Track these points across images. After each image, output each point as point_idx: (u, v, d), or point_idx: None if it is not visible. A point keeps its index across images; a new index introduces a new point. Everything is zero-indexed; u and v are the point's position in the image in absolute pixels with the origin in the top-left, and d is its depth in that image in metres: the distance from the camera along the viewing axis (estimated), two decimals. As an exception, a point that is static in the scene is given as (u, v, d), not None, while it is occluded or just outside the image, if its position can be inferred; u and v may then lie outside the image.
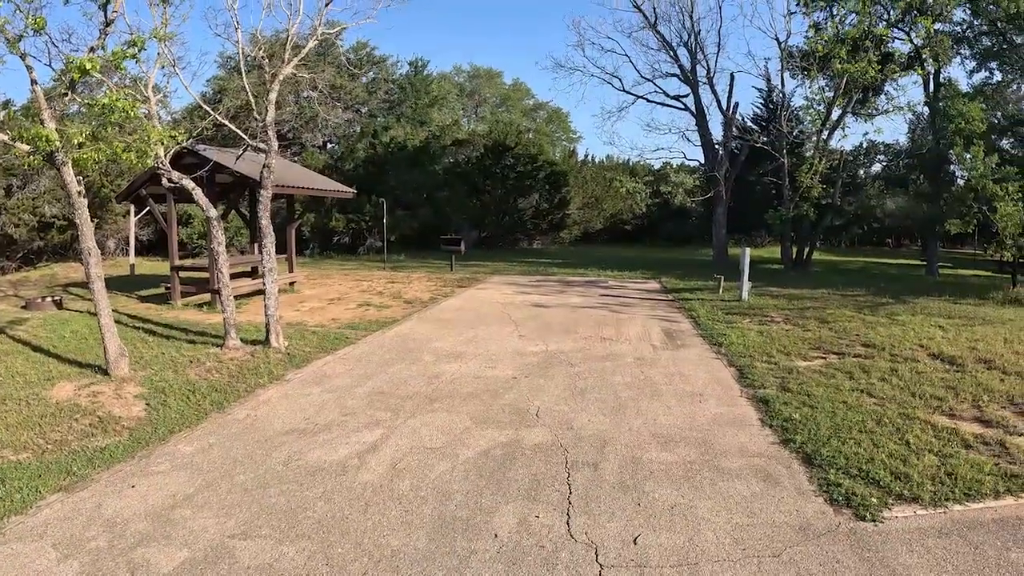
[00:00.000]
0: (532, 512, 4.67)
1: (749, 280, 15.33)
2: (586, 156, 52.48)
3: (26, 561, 4.12)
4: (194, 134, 11.06)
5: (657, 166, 43.49)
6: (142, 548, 4.24)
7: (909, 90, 54.32)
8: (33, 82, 7.80)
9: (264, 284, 10.26)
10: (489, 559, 4.05)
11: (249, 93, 10.75)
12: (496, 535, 4.34)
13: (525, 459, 5.68)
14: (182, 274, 15.41)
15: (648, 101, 31.22)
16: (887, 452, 5.64)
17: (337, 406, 7.27)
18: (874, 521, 4.48)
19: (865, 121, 26.68)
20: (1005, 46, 23.42)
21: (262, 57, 10.86)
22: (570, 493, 4.98)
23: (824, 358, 9.32)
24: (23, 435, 6.36)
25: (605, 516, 4.60)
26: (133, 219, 26.25)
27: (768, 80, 29.43)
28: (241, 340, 10.07)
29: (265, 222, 10.30)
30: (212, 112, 10.97)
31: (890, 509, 4.65)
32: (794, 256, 23.86)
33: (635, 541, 4.27)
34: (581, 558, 4.07)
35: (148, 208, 18.13)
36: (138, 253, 27.03)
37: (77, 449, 6.05)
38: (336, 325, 12.26)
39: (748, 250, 15.52)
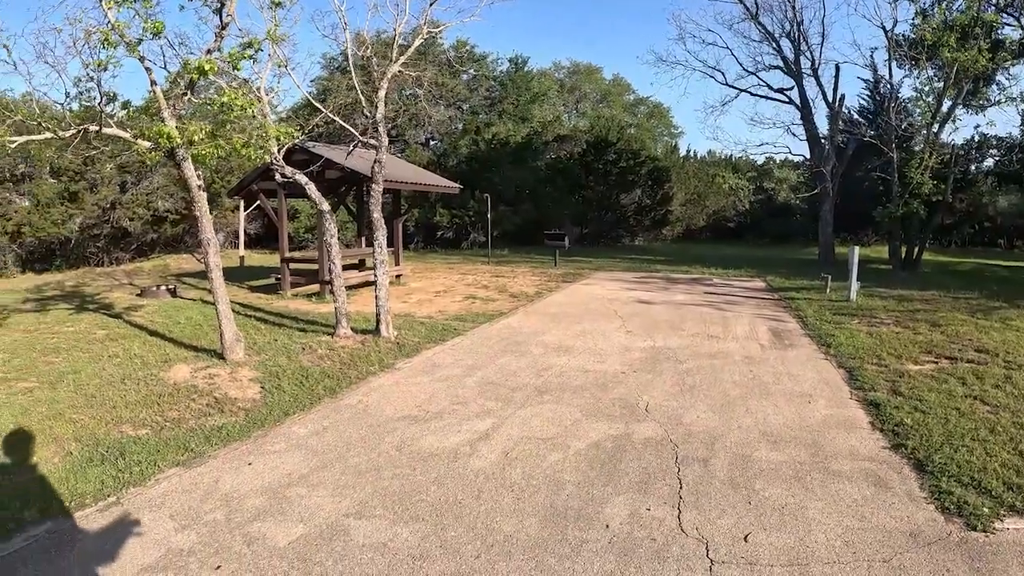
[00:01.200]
0: (643, 505, 4.67)
1: (857, 280, 14.83)
2: (688, 151, 51.77)
3: (144, 530, 4.38)
4: (306, 131, 11.45)
5: (760, 161, 42.58)
6: (258, 523, 4.45)
7: (1022, 79, 51.49)
8: (152, 83, 8.22)
9: (375, 275, 10.54)
10: (601, 549, 4.09)
11: (358, 91, 11.05)
12: (607, 526, 4.36)
13: (635, 452, 5.68)
14: (291, 266, 15.99)
15: (751, 95, 30.47)
16: (1000, 462, 5.36)
17: (448, 395, 7.42)
18: (985, 532, 4.29)
19: (976, 113, 25.24)
20: None
21: (369, 57, 11.15)
22: (680, 488, 4.96)
23: (936, 362, 8.93)
24: (142, 412, 6.77)
25: (715, 512, 4.57)
26: (242, 213, 27.41)
27: (874, 71, 28.22)
28: (352, 329, 10.40)
29: (376, 215, 10.57)
30: (323, 109, 11.32)
31: (1002, 520, 4.42)
32: (903, 256, 22.89)
33: (746, 539, 4.22)
34: (692, 552, 4.06)
35: (257, 203, 18.89)
36: (246, 246, 28.18)
37: (194, 427, 6.38)
38: (443, 317, 12.48)
39: (857, 249, 15.00)
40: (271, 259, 24.25)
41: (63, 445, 5.88)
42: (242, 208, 26.98)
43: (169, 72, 8.72)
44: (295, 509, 4.64)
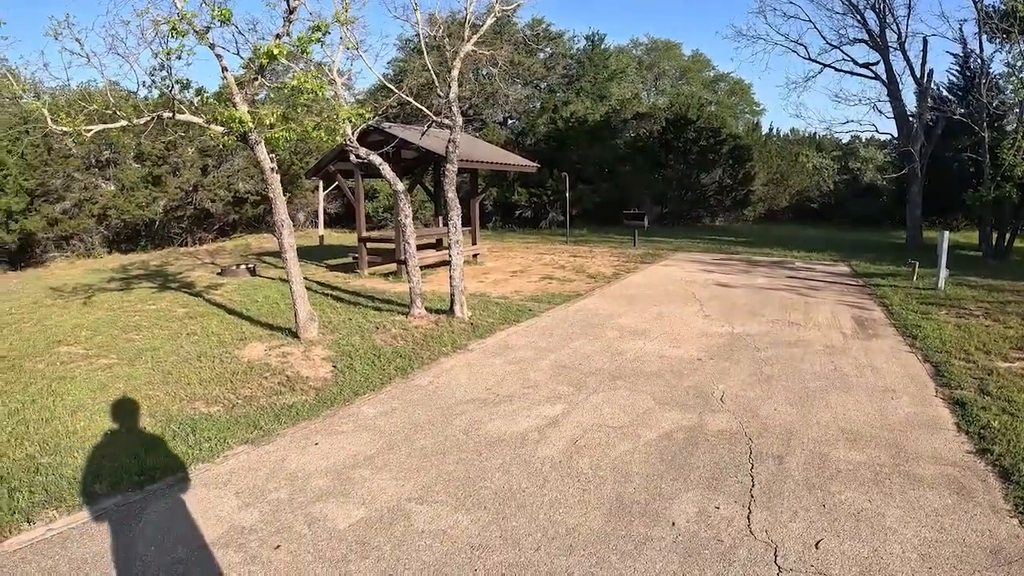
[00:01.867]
0: (712, 502, 4.54)
1: (946, 267, 14.18)
2: (770, 129, 50.40)
3: (208, 506, 4.49)
4: (379, 112, 11.50)
5: (845, 140, 41.05)
6: (320, 503, 4.51)
7: None
8: (224, 69, 8.33)
9: (449, 255, 10.57)
10: (665, 548, 3.98)
11: (431, 71, 11.02)
12: (674, 523, 4.25)
13: (708, 445, 5.54)
14: (369, 245, 16.19)
15: (836, 70, 29.16)
16: (1091, 474, 5.03)
17: (519, 378, 7.39)
18: (1076, 552, 4.01)
19: (1074, 90, 23.76)
20: None
21: (441, 37, 11.11)
22: (752, 486, 4.80)
23: (1027, 360, 8.48)
24: (215, 390, 6.95)
25: (787, 515, 4.40)
26: (321, 193, 27.91)
27: (964, 44, 26.66)
28: (426, 309, 10.46)
29: (451, 195, 10.58)
30: (396, 90, 11.35)
31: (1094, 540, 4.14)
32: (994, 242, 21.78)
33: (817, 545, 4.04)
34: (759, 557, 3.90)
35: (336, 183, 19.14)
36: (326, 225, 28.72)
37: (265, 405, 6.52)
38: (519, 297, 12.47)
39: (947, 234, 14.32)
40: (350, 238, 24.62)
41: (137, 420, 6.07)
42: (321, 188, 27.46)
43: (242, 58, 8.84)
44: (358, 491, 4.68)
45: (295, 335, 8.95)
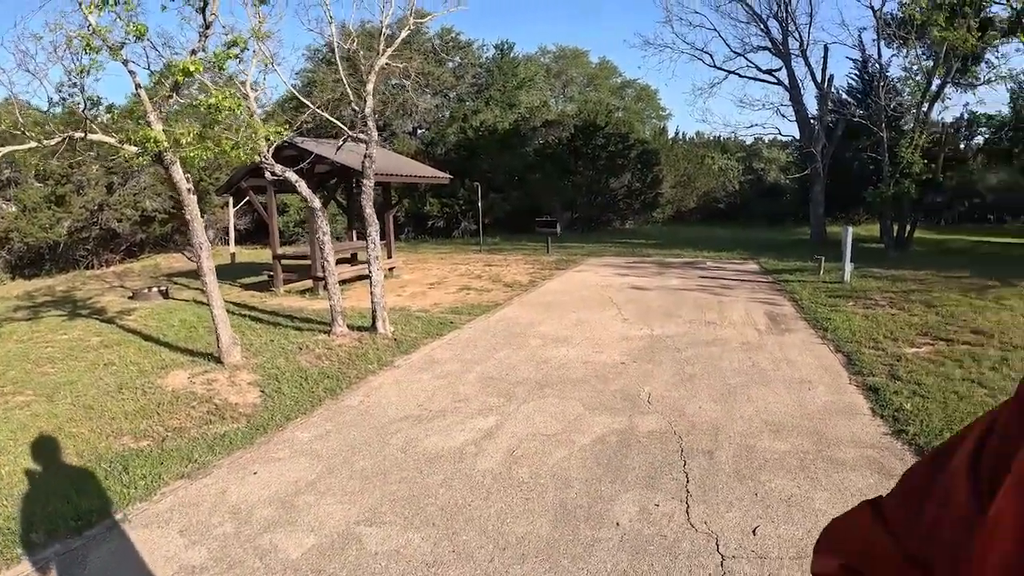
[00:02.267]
0: (651, 500, 4.69)
1: (851, 261, 14.87)
2: (677, 133, 51.66)
3: (154, 547, 4.35)
4: (294, 126, 11.39)
5: (749, 142, 42.55)
6: (269, 534, 4.43)
7: (1011, 58, 51.93)
8: (137, 86, 8.08)
9: (370, 271, 10.51)
10: (613, 547, 4.11)
11: (346, 85, 10.98)
12: (618, 523, 4.38)
13: (640, 446, 5.70)
14: (283, 262, 15.92)
15: (740, 76, 30.51)
16: (999, 449, 5.42)
17: (449, 392, 7.42)
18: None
19: (965, 92, 25.31)
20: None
21: (355, 50, 11.09)
22: (687, 482, 4.98)
23: (932, 345, 8.98)
24: (142, 423, 6.71)
25: (723, 506, 4.60)
26: (231, 210, 27.26)
27: (863, 50, 28.24)
28: (348, 326, 10.37)
29: (369, 211, 10.52)
30: (311, 105, 11.26)
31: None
32: (895, 235, 22.93)
33: (754, 532, 4.25)
34: (702, 548, 4.08)
35: (246, 199, 18.78)
36: (236, 242, 28.08)
37: (196, 436, 6.34)
38: (439, 310, 12.48)
39: (851, 229, 15.04)
40: (262, 255, 24.13)
41: (65, 461, 5.86)
42: (231, 205, 26.84)
43: (153, 73, 8.63)
44: (305, 518, 4.63)
45: (218, 360, 8.74)
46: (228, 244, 27.37)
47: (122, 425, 6.66)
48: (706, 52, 32.88)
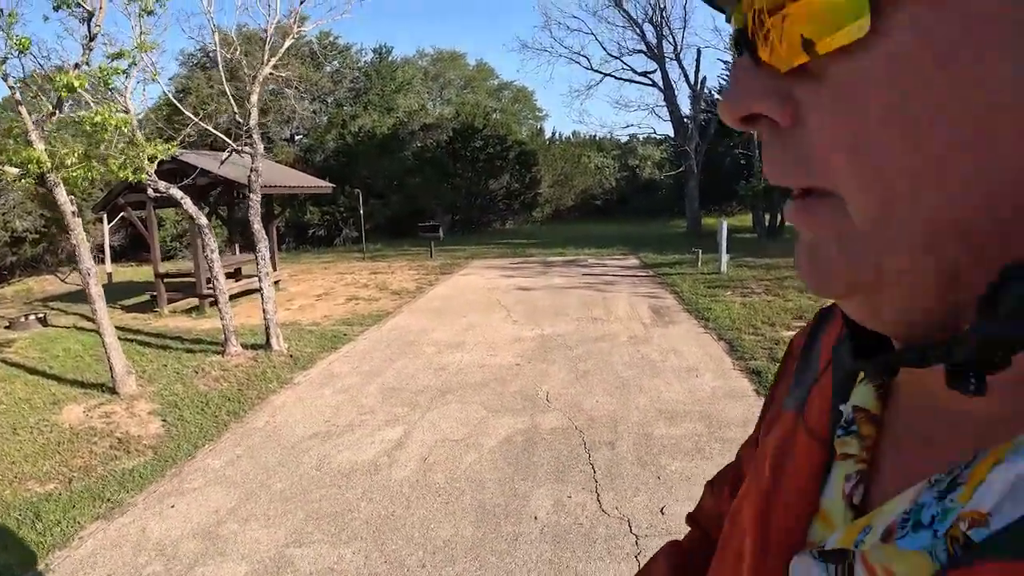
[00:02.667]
0: (564, 493, 4.99)
1: (727, 252, 15.69)
2: (554, 134, 52.53)
3: (85, 595, 4.25)
4: (178, 141, 11.15)
5: (624, 140, 43.84)
6: (200, 568, 4.41)
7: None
8: (18, 103, 7.70)
9: (261, 288, 10.38)
10: (535, 540, 4.37)
11: (229, 97, 10.82)
12: (536, 517, 4.65)
13: (545, 444, 5.99)
14: (166, 280, 15.43)
15: (616, 78, 31.61)
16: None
17: (353, 406, 7.49)
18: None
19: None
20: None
21: (238, 59, 10.95)
22: (594, 472, 5.30)
23: (807, 326, 9.67)
24: (45, 464, 6.43)
25: (631, 491, 4.94)
26: (107, 226, 26.04)
27: (733, 54, 29.82)
28: (241, 345, 10.23)
29: (257, 226, 10.41)
30: (194, 118, 11.04)
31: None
32: (767, 225, 24.27)
33: (662, 511, 4.62)
34: (617, 531, 4.42)
35: (122, 215, 18.10)
36: (112, 260, 26.87)
37: (105, 474, 6.14)
38: (330, 322, 12.44)
39: (726, 222, 15.86)
40: (140, 273, 23.18)
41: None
42: (106, 221, 25.62)
43: (31, 88, 8.30)
44: (233, 548, 4.64)
45: (113, 391, 8.42)
46: (104, 263, 26.15)
47: (24, 469, 6.37)
48: (583, 55, 33.97)
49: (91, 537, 5.02)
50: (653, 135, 33.74)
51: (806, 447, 0.58)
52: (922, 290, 0.40)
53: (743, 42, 0.44)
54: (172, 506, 5.39)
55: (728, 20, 0.49)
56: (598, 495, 4.92)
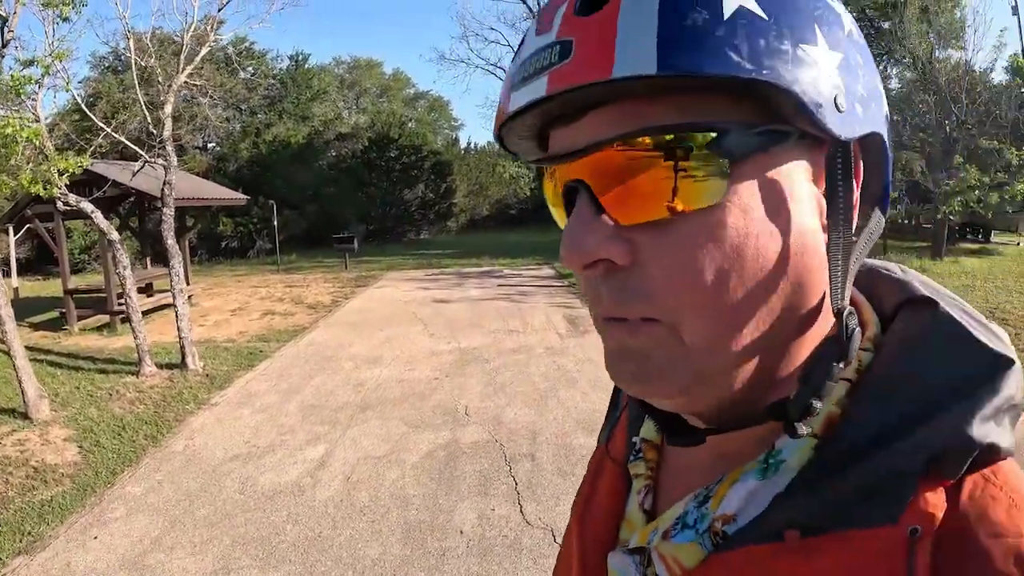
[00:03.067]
0: (488, 506, 5.16)
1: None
2: (469, 143, 53.03)
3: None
4: (90, 152, 10.86)
5: (539, 150, 44.37)
6: (129, 601, 4.37)
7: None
8: None
9: (175, 305, 10.20)
10: (462, 554, 4.52)
11: (142, 105, 10.59)
12: (462, 532, 4.80)
13: (467, 457, 6.14)
14: (76, 296, 14.95)
15: (532, 91, 31.97)
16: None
17: (273, 425, 7.47)
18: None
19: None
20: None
21: (153, 66, 10.74)
22: (516, 484, 5.49)
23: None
24: None
25: (552, 501, 5.15)
26: (12, 238, 24.94)
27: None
28: (156, 365, 10.04)
29: (171, 242, 10.20)
30: (106, 128, 10.78)
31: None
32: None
33: (581, 521, 4.82)
34: (541, 540, 4.63)
35: (28, 226, 17.44)
36: (17, 274, 25.76)
37: (23, 506, 5.93)
38: (246, 339, 12.30)
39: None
40: (48, 287, 22.32)
41: None
42: (11, 233, 24.48)
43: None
44: (159, 577, 4.61)
45: (25, 416, 8.09)
46: (10, 276, 25.00)
47: (-67, 503, 6.17)
48: (499, 67, 34.14)
49: (13, 574, 4.88)
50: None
51: (611, 471, 0.79)
52: (727, 390, 0.57)
53: (584, 193, 0.53)
54: (95, 537, 5.29)
55: (546, 175, 0.61)
56: (521, 506, 5.11)
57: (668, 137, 0.49)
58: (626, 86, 0.49)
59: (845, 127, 0.52)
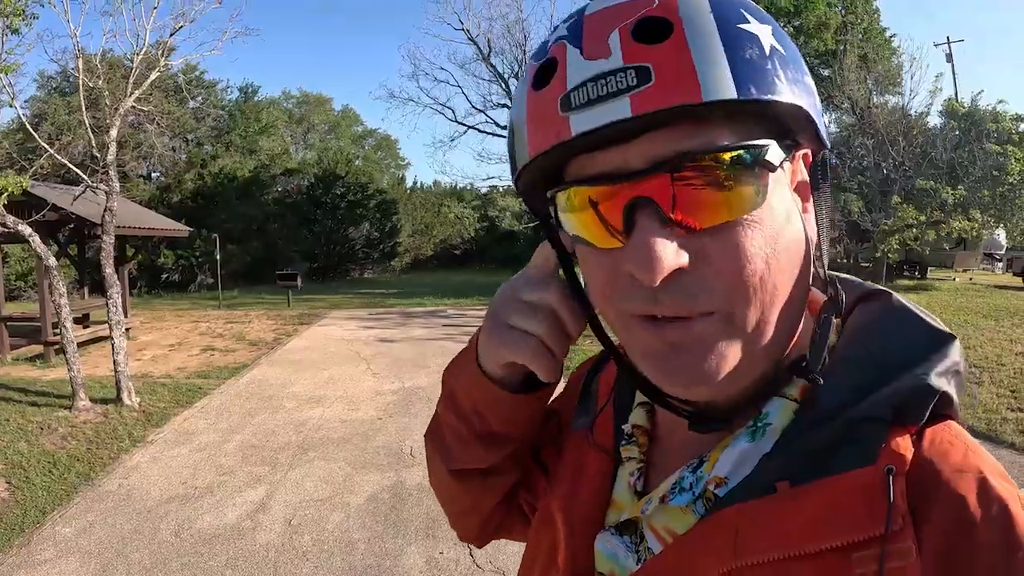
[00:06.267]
0: (436, 549, 5.08)
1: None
2: (415, 183, 53.01)
3: None
4: (30, 173, 10.61)
5: (484, 191, 44.69)
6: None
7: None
8: None
9: (112, 337, 9.90)
10: (409, 602, 4.44)
11: (88, 128, 10.39)
12: (408, 577, 4.72)
13: (413, 500, 6.06)
14: (8, 324, 14.46)
15: (479, 131, 32.30)
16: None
17: (211, 466, 7.27)
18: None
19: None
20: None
21: (101, 88, 10.56)
22: (463, 530, 5.42)
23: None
24: None
25: (503, 543, 5.03)
26: (-59, 259, 24.06)
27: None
28: (90, 399, 9.72)
29: (110, 271, 9.93)
30: (49, 149, 10.55)
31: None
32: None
33: (530, 567, 4.78)
34: (491, 586, 4.55)
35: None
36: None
37: None
38: (184, 374, 12.01)
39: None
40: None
41: None
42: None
43: None
44: (90, 623, 4.41)
45: (-53, 449, 7.83)
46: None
47: None
48: (448, 107, 34.48)
49: None
50: (513, 187, 34.54)
51: (597, 458, 0.84)
52: (765, 361, 0.66)
53: (649, 208, 0.58)
54: (21, 581, 5.07)
55: (569, 199, 0.65)
56: (471, 550, 5.04)
57: (730, 154, 0.57)
58: (683, 109, 0.55)
59: (827, 137, 0.66)
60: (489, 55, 30.24)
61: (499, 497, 1.00)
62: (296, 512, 5.95)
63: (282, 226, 35.06)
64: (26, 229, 9.43)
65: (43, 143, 10.78)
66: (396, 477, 6.66)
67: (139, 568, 5.13)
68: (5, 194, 8.59)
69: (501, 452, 0.91)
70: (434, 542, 5.22)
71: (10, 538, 5.77)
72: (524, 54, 29.58)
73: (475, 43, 30.16)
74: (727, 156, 0.57)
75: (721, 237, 0.59)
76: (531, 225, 31.59)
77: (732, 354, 0.62)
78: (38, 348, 13.89)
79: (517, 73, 30.06)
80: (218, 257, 25.22)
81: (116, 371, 9.81)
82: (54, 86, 33.13)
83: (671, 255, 0.57)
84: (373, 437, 7.99)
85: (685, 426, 0.71)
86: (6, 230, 9.50)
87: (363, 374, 11.48)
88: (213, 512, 6.06)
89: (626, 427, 0.84)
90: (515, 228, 37.61)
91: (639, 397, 0.87)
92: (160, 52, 10.87)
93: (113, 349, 9.84)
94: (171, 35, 10.97)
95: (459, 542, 5.10)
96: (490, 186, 43.85)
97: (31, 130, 11.18)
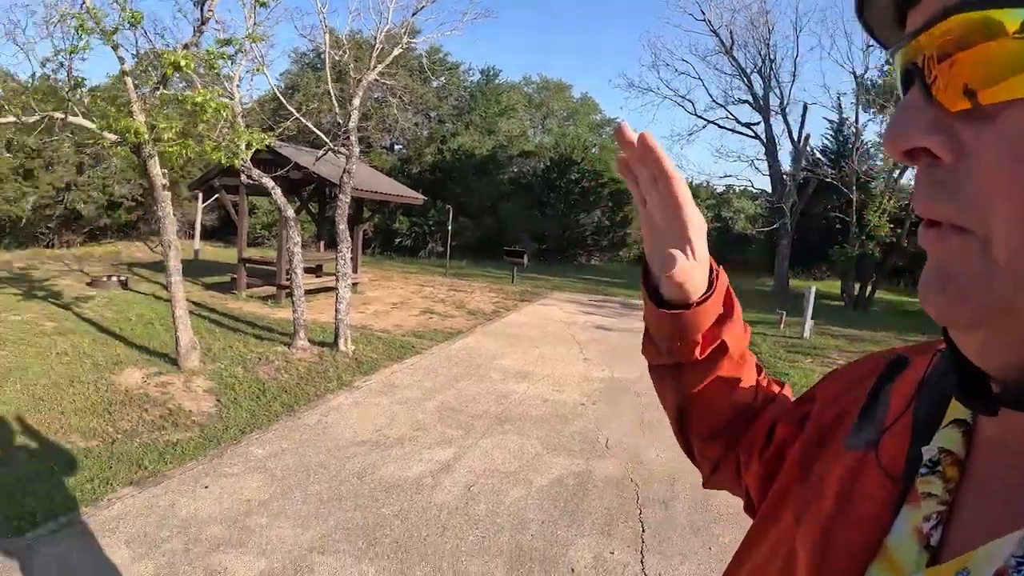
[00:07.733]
0: (607, 548, 4.68)
1: (811, 318, 15.10)
2: (650, 176, 52.25)
3: (98, 558, 4.21)
4: (277, 133, 11.30)
5: (720, 190, 43.21)
6: (218, 554, 4.30)
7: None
8: (124, 74, 8.01)
9: (337, 287, 10.40)
10: (567, 595, 4.09)
11: (332, 97, 10.93)
12: (573, 570, 4.36)
13: (597, 491, 5.69)
14: (248, 266, 15.70)
15: (719, 127, 31.28)
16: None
17: (408, 419, 7.34)
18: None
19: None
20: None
21: (346, 62, 11.06)
22: (643, 531, 4.97)
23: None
24: (92, 421, 6.54)
25: (678, 558, 4.60)
26: (200, 205, 26.81)
27: (840, 113, 29.05)
28: (309, 340, 10.24)
29: (343, 227, 10.44)
30: (296, 112, 11.21)
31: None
32: (855, 294, 23.40)
33: (708, 588, 4.27)
34: (656, 601, 4.09)
35: (216, 196, 18.60)
36: (202, 238, 27.68)
37: (148, 442, 6.16)
38: (401, 332, 12.39)
39: (814, 288, 15.28)
40: (226, 254, 23.80)
41: (11, 455, 5.69)
42: (200, 199, 26.41)
43: (141, 61, 8.52)
44: (256, 540, 4.51)
45: (174, 362, 8.52)
46: (193, 239, 26.96)
47: (71, 421, 6.48)
48: (688, 99, 33.70)
49: (120, 501, 4.99)
50: (750, 188, 33.04)
51: (879, 481, 0.60)
52: None
53: (916, 78, 0.46)
54: (205, 487, 5.33)
55: (889, 59, 0.51)
56: (643, 556, 4.60)
57: (1004, 12, 0.40)
58: None
59: None
60: (732, 48, 28.94)
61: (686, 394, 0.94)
62: (478, 480, 5.78)
63: (515, 205, 35.70)
64: (269, 182, 10.04)
65: (290, 107, 11.44)
66: (585, 465, 6.31)
67: (316, 499, 5.20)
68: (252, 149, 9.12)
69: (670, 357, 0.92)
70: (607, 540, 4.81)
71: (206, 448, 6.13)
72: (768, 48, 28.12)
73: (717, 35, 29.04)
74: (999, 15, 0.40)
75: (984, 129, 0.42)
76: (765, 230, 30.08)
77: (976, 290, 0.44)
78: (271, 289, 14.98)
79: (760, 68, 28.64)
80: (450, 228, 26.08)
81: (337, 318, 10.24)
82: (307, 62, 35.80)
83: (911, 130, 0.46)
84: (572, 421, 7.69)
85: (1021, 467, 0.50)
86: (252, 182, 10.18)
87: (574, 357, 11.24)
88: (398, 463, 6.05)
89: (929, 450, 0.58)
90: (748, 231, 35.99)
91: (952, 412, 0.61)
92: (403, 30, 11.16)
93: (337, 298, 10.29)
94: (413, 15, 11.25)
95: (632, 545, 4.69)
96: (726, 185, 42.40)
97: (280, 96, 11.95)
